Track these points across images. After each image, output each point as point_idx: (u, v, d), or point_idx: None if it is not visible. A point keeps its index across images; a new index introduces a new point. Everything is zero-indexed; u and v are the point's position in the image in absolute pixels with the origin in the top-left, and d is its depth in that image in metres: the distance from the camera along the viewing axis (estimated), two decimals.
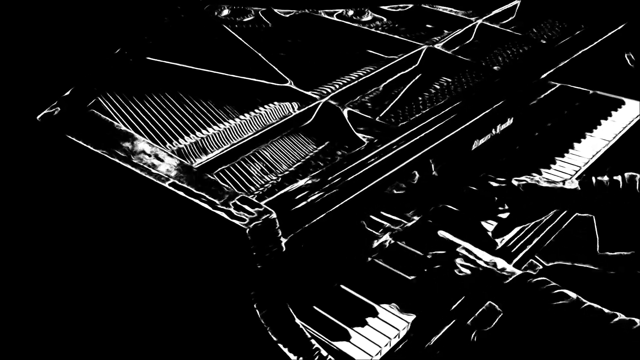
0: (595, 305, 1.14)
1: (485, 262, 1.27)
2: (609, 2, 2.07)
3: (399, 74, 1.73)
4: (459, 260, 1.28)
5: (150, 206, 1.21)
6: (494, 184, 1.53)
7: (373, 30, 1.97)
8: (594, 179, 1.46)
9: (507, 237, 1.52)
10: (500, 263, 1.27)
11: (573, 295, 1.16)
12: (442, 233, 1.36)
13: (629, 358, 1.08)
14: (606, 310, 1.12)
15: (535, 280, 1.20)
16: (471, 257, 1.28)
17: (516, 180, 1.51)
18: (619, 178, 1.44)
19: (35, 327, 1.55)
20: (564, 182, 1.49)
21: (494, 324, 1.40)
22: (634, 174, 1.44)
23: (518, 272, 1.24)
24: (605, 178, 1.45)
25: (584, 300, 1.15)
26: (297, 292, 1.23)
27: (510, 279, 1.22)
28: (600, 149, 1.87)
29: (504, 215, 1.54)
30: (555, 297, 1.16)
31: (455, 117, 1.51)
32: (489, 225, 1.53)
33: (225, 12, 1.88)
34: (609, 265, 1.56)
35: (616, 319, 1.10)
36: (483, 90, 1.65)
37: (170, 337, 1.31)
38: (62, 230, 1.41)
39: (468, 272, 1.26)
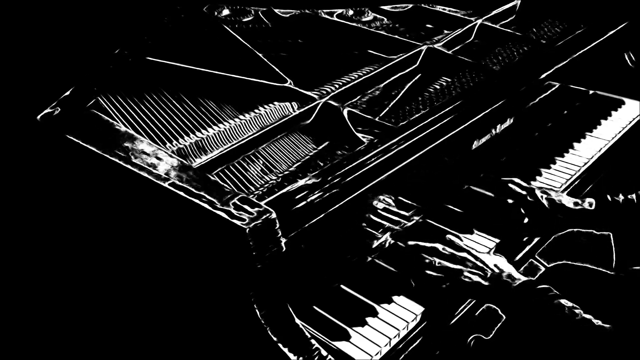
0: (597, 322, 1.13)
1: (492, 269, 1.26)
2: (609, 2, 2.06)
3: (399, 74, 1.73)
4: (466, 267, 1.27)
5: (150, 206, 1.21)
6: (517, 189, 1.52)
7: (373, 30, 1.97)
8: (609, 197, 1.47)
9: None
10: (507, 268, 1.26)
11: (569, 304, 1.15)
12: (449, 237, 1.36)
13: None
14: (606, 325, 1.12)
15: (538, 288, 1.19)
16: (478, 263, 1.28)
17: (540, 191, 1.51)
18: (634, 197, 1.45)
19: (35, 327, 1.55)
20: (583, 201, 1.49)
21: (493, 332, 1.40)
22: None
23: (523, 278, 1.23)
24: (621, 197, 1.47)
25: (584, 315, 1.14)
26: (297, 292, 1.23)
27: (514, 285, 1.21)
28: (601, 149, 1.87)
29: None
30: (553, 310, 1.15)
31: (455, 117, 1.51)
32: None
33: (225, 12, 1.88)
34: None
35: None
36: (483, 90, 1.65)
37: (170, 336, 1.31)
38: (62, 230, 1.41)
39: (476, 278, 1.25)
